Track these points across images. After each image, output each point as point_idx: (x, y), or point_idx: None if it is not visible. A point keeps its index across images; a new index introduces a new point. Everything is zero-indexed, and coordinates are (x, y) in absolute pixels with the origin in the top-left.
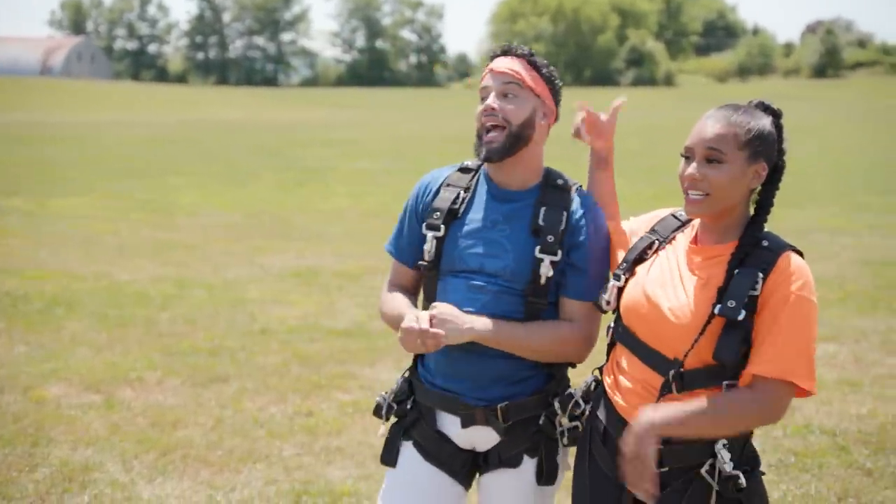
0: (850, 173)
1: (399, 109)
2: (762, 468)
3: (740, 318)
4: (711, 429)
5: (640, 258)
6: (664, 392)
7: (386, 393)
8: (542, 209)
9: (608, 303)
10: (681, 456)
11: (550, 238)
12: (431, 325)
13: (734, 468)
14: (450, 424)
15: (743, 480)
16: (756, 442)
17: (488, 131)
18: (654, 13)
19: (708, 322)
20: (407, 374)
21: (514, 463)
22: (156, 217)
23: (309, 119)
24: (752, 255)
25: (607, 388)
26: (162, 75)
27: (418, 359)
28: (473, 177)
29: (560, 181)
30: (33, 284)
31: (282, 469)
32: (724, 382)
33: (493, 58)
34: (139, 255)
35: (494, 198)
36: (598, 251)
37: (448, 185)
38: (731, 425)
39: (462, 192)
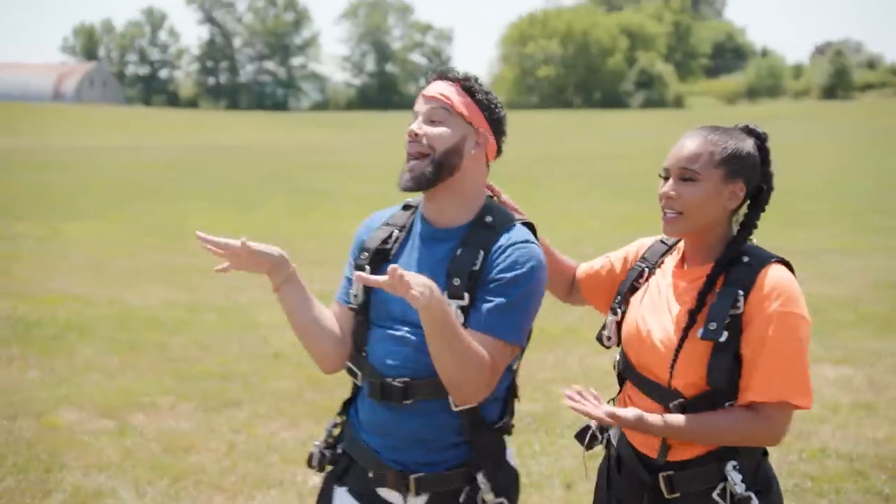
0: (858, 194)
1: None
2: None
3: (722, 339)
4: (711, 442)
5: (634, 288)
6: None
7: (319, 441)
8: (459, 251)
9: (609, 338)
10: (692, 482)
11: (457, 281)
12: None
13: (746, 490)
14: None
15: (756, 502)
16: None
17: (411, 159)
18: (662, 36)
19: (680, 346)
20: (338, 420)
21: None
22: (167, 241)
23: (319, 143)
24: (732, 272)
25: None
26: (173, 100)
27: (350, 404)
28: (412, 215)
29: (490, 219)
30: (46, 309)
31: (295, 495)
32: (727, 404)
33: (429, 81)
34: (151, 279)
35: (423, 238)
36: (509, 286)
37: (386, 223)
38: (732, 444)
39: (397, 231)
